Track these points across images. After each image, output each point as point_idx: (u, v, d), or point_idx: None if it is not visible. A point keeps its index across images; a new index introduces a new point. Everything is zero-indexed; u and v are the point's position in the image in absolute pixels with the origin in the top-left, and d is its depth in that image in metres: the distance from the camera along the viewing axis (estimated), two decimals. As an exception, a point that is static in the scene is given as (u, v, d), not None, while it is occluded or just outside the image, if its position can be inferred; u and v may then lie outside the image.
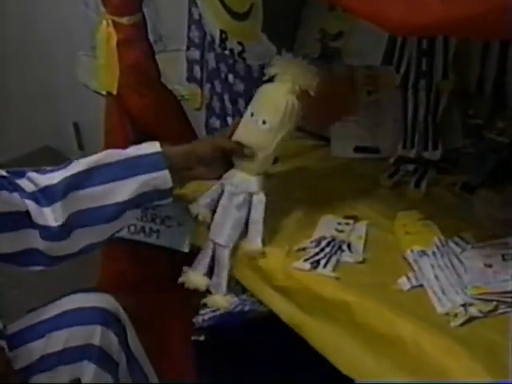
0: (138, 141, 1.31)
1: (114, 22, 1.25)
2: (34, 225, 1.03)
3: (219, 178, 1.17)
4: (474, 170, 1.28)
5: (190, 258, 1.22)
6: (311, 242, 1.14)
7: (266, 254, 1.12)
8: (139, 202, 1.10)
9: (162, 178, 1.08)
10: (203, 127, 1.91)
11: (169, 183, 1.09)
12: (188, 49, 1.90)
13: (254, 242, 1.11)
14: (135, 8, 1.27)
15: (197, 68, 1.90)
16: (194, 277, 1.15)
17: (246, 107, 1.46)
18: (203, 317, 1.87)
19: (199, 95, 1.93)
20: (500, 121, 1.25)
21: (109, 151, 1.11)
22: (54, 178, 1.05)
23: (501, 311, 0.97)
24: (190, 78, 1.94)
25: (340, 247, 1.12)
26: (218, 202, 1.16)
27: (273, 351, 1.74)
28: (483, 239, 1.10)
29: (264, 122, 1.13)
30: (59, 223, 1.03)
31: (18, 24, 2.66)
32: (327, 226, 1.18)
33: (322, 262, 1.09)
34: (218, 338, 1.82)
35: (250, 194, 1.14)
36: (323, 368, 1.36)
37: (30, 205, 1.03)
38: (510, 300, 0.98)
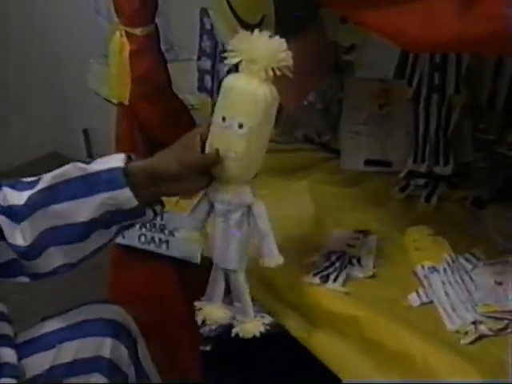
0: (149, 149, 1.33)
1: (127, 32, 1.25)
2: (6, 242, 0.97)
3: (198, 190, 1.03)
4: (484, 185, 1.28)
5: (200, 269, 1.21)
6: (321, 256, 1.13)
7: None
8: (106, 221, 0.98)
9: (124, 197, 0.95)
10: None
11: (132, 202, 0.96)
12: (199, 58, 1.89)
13: (272, 256, 1.00)
14: (148, 19, 1.27)
15: (208, 78, 1.90)
16: (214, 311, 1.04)
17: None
18: (210, 327, 1.87)
19: (209, 105, 1.93)
20: (511, 136, 1.25)
21: (72, 165, 0.98)
22: (22, 196, 0.97)
23: (511, 330, 0.97)
24: (201, 88, 1.93)
25: (350, 261, 1.12)
26: (207, 217, 1.03)
27: (279, 362, 1.73)
28: (494, 255, 1.10)
29: (241, 126, 0.94)
30: (27, 243, 0.96)
31: (29, 31, 2.67)
32: (337, 239, 1.18)
33: (332, 276, 1.09)
34: (225, 348, 1.82)
35: (248, 207, 0.99)
36: (328, 380, 1.37)
37: (2, 220, 0.97)
38: (520, 318, 0.97)
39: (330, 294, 1.06)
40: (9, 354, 1.07)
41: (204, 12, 1.79)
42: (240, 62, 0.93)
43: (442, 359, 0.93)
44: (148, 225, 1.32)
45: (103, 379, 1.14)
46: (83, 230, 0.97)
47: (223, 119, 0.95)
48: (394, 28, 0.80)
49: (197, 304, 1.04)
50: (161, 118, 1.30)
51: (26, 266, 1.00)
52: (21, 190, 0.98)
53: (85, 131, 2.70)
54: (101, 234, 1.00)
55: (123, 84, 1.27)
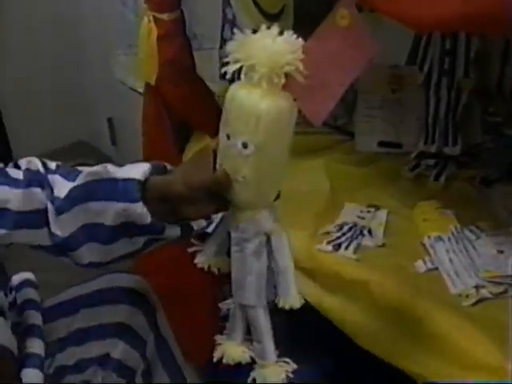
0: (174, 128, 1.41)
1: (154, 17, 1.33)
2: (49, 228, 0.97)
3: (215, 213, 0.93)
4: (492, 165, 1.34)
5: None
6: (334, 227, 1.21)
7: (291, 234, 1.16)
8: (126, 232, 0.94)
9: (137, 211, 0.90)
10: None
11: (145, 218, 0.90)
12: (221, 47, 1.97)
13: (287, 296, 0.89)
14: (175, 5, 1.35)
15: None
16: (233, 349, 0.93)
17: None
18: (228, 305, 1.95)
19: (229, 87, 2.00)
20: (518, 118, 1.31)
21: (102, 166, 0.96)
22: (64, 189, 0.96)
23: (511, 294, 1.04)
24: (223, 76, 2.01)
25: (361, 232, 1.19)
26: (228, 246, 0.92)
27: (297, 335, 1.79)
28: (497, 228, 1.16)
29: (245, 146, 0.81)
30: (65, 235, 0.96)
31: (57, 22, 2.76)
32: (350, 213, 1.25)
33: (344, 245, 1.16)
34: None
35: (266, 235, 0.88)
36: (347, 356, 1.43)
37: (49, 208, 0.96)
38: (520, 284, 1.04)
39: (341, 261, 1.13)
40: (35, 317, 1.13)
41: (226, 2, 1.87)
42: (241, 69, 0.79)
43: (446, 319, 0.99)
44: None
45: (122, 344, 1.20)
46: (110, 234, 0.94)
47: (227, 137, 0.84)
48: (401, 9, 0.87)
49: (217, 338, 0.95)
50: (186, 99, 1.38)
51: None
52: (65, 179, 0.98)
53: (109, 120, 2.79)
54: (126, 243, 0.95)
55: (151, 66, 1.35)
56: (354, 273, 1.10)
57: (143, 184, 0.91)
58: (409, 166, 1.40)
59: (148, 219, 0.90)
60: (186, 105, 1.38)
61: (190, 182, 0.88)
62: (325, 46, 0.84)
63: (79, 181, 0.95)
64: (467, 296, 1.04)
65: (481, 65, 1.35)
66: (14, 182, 0.95)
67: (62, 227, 0.96)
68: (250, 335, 0.93)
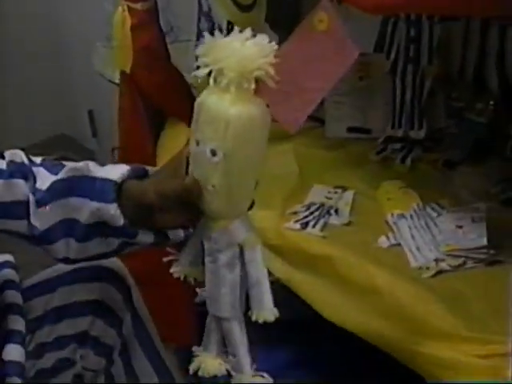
0: (149, 115, 1.45)
1: (128, 7, 1.38)
2: (28, 220, 0.98)
3: (189, 222, 0.90)
4: (455, 148, 1.40)
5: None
6: (302, 207, 1.25)
7: (260, 215, 1.17)
8: (100, 232, 0.94)
9: (110, 212, 0.89)
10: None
11: (118, 220, 0.89)
12: (198, 39, 2.01)
13: (261, 309, 0.84)
14: (148, -5, 1.40)
15: (205, 57, 2.02)
16: (209, 361, 0.89)
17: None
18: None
19: (207, 83, 2.04)
20: (479, 103, 1.37)
21: (84, 163, 0.96)
22: (46, 182, 0.97)
23: (468, 266, 1.09)
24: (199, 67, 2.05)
25: (328, 211, 1.24)
26: (202, 253, 0.88)
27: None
28: (458, 205, 1.22)
29: (213, 153, 0.78)
30: (43, 228, 0.96)
31: (37, 15, 2.79)
32: (318, 193, 1.30)
33: (311, 223, 1.21)
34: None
35: (239, 246, 0.85)
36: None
37: (31, 200, 0.97)
38: (476, 256, 1.09)
39: (308, 238, 1.18)
40: (15, 296, 1.14)
41: (202, -6, 1.92)
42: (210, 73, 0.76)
43: (406, 290, 1.04)
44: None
45: (99, 322, 1.22)
46: (84, 232, 0.94)
47: (197, 143, 0.80)
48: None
49: (195, 349, 0.91)
50: (160, 86, 1.42)
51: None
52: (48, 172, 0.98)
53: (90, 112, 2.83)
54: (100, 243, 0.95)
55: (125, 54, 1.39)
56: (320, 249, 1.15)
57: (120, 186, 0.90)
58: (376, 150, 1.45)
59: (121, 221, 0.89)
60: (161, 92, 1.42)
61: (162, 189, 0.87)
62: (302, 50, 0.86)
63: (61, 175, 0.96)
64: (427, 268, 1.09)
65: (443, 52, 1.41)
66: None
67: (41, 220, 0.96)
68: (224, 347, 0.90)
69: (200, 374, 0.90)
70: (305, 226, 1.20)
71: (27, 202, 0.97)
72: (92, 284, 1.23)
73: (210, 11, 1.92)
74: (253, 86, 0.75)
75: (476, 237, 1.10)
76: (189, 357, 1.45)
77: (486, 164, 1.33)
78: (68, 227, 0.96)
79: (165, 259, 0.94)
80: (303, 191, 1.31)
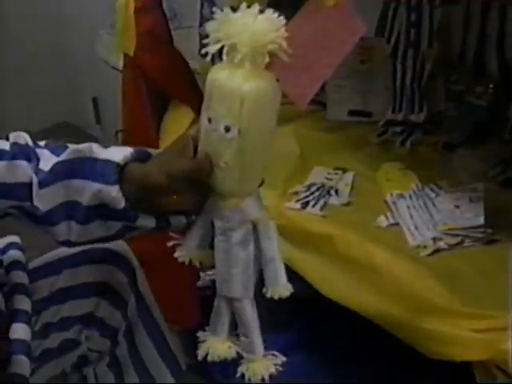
0: (151, 98, 1.47)
1: (131, -10, 1.40)
2: (32, 202, 0.97)
3: (196, 205, 0.88)
4: (455, 131, 1.41)
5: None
6: (303, 187, 1.27)
7: (262, 195, 1.22)
8: (100, 214, 0.92)
9: (111, 194, 0.87)
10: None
11: (119, 203, 0.87)
12: (201, 25, 2.03)
13: (276, 284, 0.85)
14: (151, -21, 1.41)
15: (208, 43, 2.03)
16: (218, 345, 0.88)
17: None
18: (210, 276, 2.01)
19: (211, 69, 2.06)
20: (479, 86, 1.38)
21: (88, 145, 0.94)
22: (49, 163, 0.96)
23: (466, 244, 1.11)
24: (203, 53, 2.07)
25: (328, 192, 1.26)
26: (211, 237, 0.87)
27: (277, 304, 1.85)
28: (456, 186, 1.23)
29: (227, 129, 0.78)
30: (45, 209, 0.96)
31: (40, 3, 2.81)
32: (318, 175, 1.32)
33: (311, 203, 1.23)
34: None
35: (252, 223, 0.85)
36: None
37: (34, 181, 0.96)
38: (473, 235, 1.11)
39: (308, 217, 1.20)
40: (21, 276, 1.15)
41: (204, -19, 1.93)
42: (222, 49, 0.76)
43: (405, 268, 1.06)
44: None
45: (104, 303, 1.24)
46: (85, 214, 0.93)
47: (209, 121, 0.79)
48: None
49: (200, 335, 0.90)
50: (163, 68, 1.44)
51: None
52: (52, 153, 0.97)
53: (94, 99, 2.85)
54: (100, 226, 0.94)
55: (129, 38, 1.41)
56: (320, 228, 1.17)
57: (122, 168, 0.88)
58: (377, 133, 1.46)
59: (122, 204, 0.87)
60: (164, 75, 1.44)
61: (168, 170, 0.84)
62: (310, 25, 0.83)
63: (64, 156, 0.95)
64: (425, 247, 1.11)
65: (444, 36, 1.42)
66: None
67: (43, 201, 0.95)
68: (234, 330, 0.89)
69: (209, 358, 0.88)
70: (305, 205, 1.22)
71: (30, 184, 0.96)
72: (97, 266, 1.24)
73: (212, -3, 1.94)
74: (266, 59, 0.74)
75: (473, 216, 1.12)
76: (191, 339, 1.47)
77: (485, 146, 1.35)
78: (70, 209, 0.95)
79: (168, 244, 0.92)
80: (304, 172, 1.33)
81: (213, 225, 0.86)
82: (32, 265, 1.24)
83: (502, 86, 1.36)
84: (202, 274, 1.93)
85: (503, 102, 1.36)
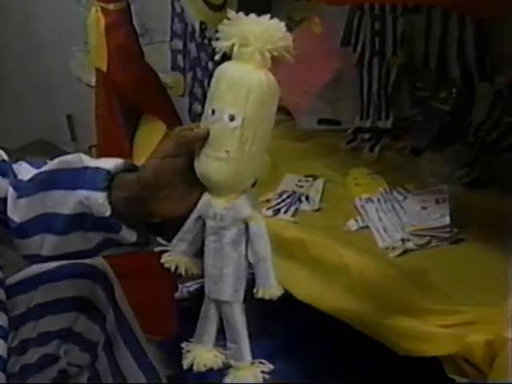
0: (125, 113, 1.49)
1: (102, 8, 1.42)
2: (6, 215, 0.97)
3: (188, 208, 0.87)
4: (421, 135, 1.45)
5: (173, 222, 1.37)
6: (274, 195, 1.30)
7: None
8: (82, 224, 0.92)
9: (98, 201, 0.87)
10: (187, 113, 2.08)
11: (105, 210, 0.87)
12: (171, 40, 2.07)
13: (267, 284, 0.84)
14: (120, -4, 1.44)
15: (180, 57, 2.06)
16: (204, 354, 0.86)
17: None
18: (188, 288, 2.03)
19: (182, 82, 2.09)
20: (443, 91, 1.42)
21: (78, 155, 0.94)
22: (29, 173, 0.96)
23: (433, 244, 1.15)
24: (174, 67, 2.10)
25: (299, 199, 1.29)
26: (200, 244, 0.86)
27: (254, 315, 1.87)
28: (423, 189, 1.27)
29: (232, 118, 0.79)
30: (20, 221, 0.96)
31: (16, 20, 2.82)
32: (289, 182, 1.35)
33: (283, 209, 1.26)
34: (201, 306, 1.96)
35: (245, 222, 0.84)
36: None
37: (10, 193, 0.97)
38: (440, 235, 1.15)
39: (280, 224, 1.23)
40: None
41: (174, -4, 1.97)
42: (232, 48, 0.79)
43: (374, 268, 1.09)
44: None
45: (82, 317, 1.23)
46: (65, 224, 0.93)
47: (212, 112, 0.81)
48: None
49: (184, 346, 0.87)
50: (135, 83, 1.46)
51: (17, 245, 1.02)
52: (31, 166, 0.98)
53: (68, 117, 2.86)
54: (79, 237, 0.94)
55: (101, 53, 1.43)
56: (291, 233, 1.20)
57: (112, 176, 0.88)
58: (346, 140, 1.50)
59: (108, 212, 0.87)
60: (136, 89, 1.46)
61: (153, 162, 0.85)
62: (301, 46, 0.85)
63: (48, 167, 0.95)
64: (394, 248, 1.14)
65: (407, 44, 1.47)
66: None
67: (19, 212, 0.95)
68: (218, 340, 0.87)
69: (195, 368, 0.86)
70: (277, 212, 1.25)
71: (5, 199, 0.97)
72: (75, 281, 1.24)
73: (182, 12, 1.98)
74: (276, 53, 0.79)
75: (439, 216, 1.15)
76: (171, 350, 1.48)
77: (450, 149, 1.38)
78: (47, 221, 0.95)
79: (155, 249, 0.92)
80: (275, 180, 1.36)
81: (203, 227, 0.85)
82: (9, 281, 1.25)
83: (465, 91, 1.40)
84: (180, 285, 1.95)
85: (466, 107, 1.40)
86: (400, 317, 1.02)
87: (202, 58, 1.94)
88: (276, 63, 0.80)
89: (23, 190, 0.96)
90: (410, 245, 1.14)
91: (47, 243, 0.96)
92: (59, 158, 0.95)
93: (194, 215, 0.85)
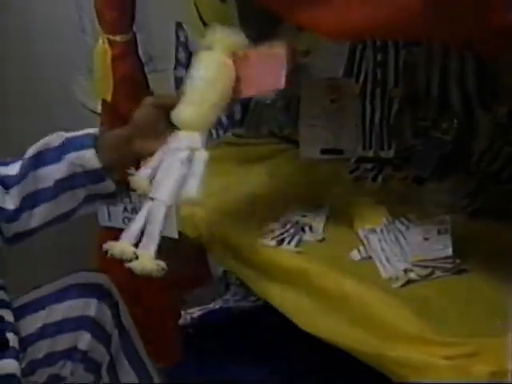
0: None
1: (108, 39, 1.44)
2: None
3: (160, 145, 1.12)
4: (423, 165, 1.46)
5: (178, 245, 1.39)
6: (278, 225, 1.31)
7: (237, 233, 1.29)
8: (72, 184, 1.12)
9: (88, 156, 1.10)
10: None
11: (95, 163, 1.10)
12: (175, 68, 2.09)
13: (191, 191, 1.06)
14: (127, 28, 1.46)
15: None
16: (120, 244, 1.07)
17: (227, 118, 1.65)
18: (191, 315, 2.04)
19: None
20: (444, 122, 1.44)
21: (55, 134, 1.16)
22: (15, 167, 1.14)
23: (436, 275, 1.15)
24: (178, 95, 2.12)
25: (303, 229, 1.30)
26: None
27: (260, 345, 1.88)
28: (425, 219, 1.28)
29: (201, 79, 1.11)
30: (15, 206, 1.12)
31: (19, 47, 2.83)
32: (293, 212, 1.36)
33: (287, 239, 1.27)
34: (205, 333, 1.97)
35: (193, 151, 1.09)
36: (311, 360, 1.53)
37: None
38: (443, 265, 1.15)
39: (283, 253, 1.24)
40: (8, 314, 1.19)
41: (179, 26, 2.00)
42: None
43: (377, 298, 1.10)
44: (130, 208, 1.49)
45: (88, 336, 1.26)
46: (54, 189, 1.12)
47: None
48: (317, 22, 0.99)
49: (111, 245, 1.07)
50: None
51: (6, 229, 1.16)
52: (12, 162, 1.16)
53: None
54: (68, 197, 1.13)
55: (107, 84, 1.45)
56: (294, 263, 1.21)
57: (95, 136, 1.12)
58: (349, 169, 1.51)
59: (97, 164, 1.09)
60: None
61: (135, 114, 1.15)
62: (255, 59, 1.15)
63: (29, 154, 1.14)
64: (397, 279, 1.14)
65: (409, 75, 1.49)
66: None
67: (13, 199, 1.12)
68: None
69: (110, 254, 1.06)
70: (280, 242, 1.26)
71: None
72: (81, 300, 1.27)
73: (186, 41, 2.01)
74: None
75: (442, 247, 1.16)
76: (173, 377, 1.49)
77: (452, 179, 1.40)
78: (36, 197, 1.13)
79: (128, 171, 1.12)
80: (279, 210, 1.37)
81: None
82: (17, 303, 1.26)
83: (466, 121, 1.42)
84: (183, 312, 1.96)
85: (467, 136, 1.42)
86: (401, 346, 1.03)
87: (206, 87, 1.96)
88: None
89: (13, 180, 1.13)
90: (412, 275, 1.15)
91: (36, 215, 1.13)
92: (36, 144, 1.15)
93: (160, 149, 1.10)
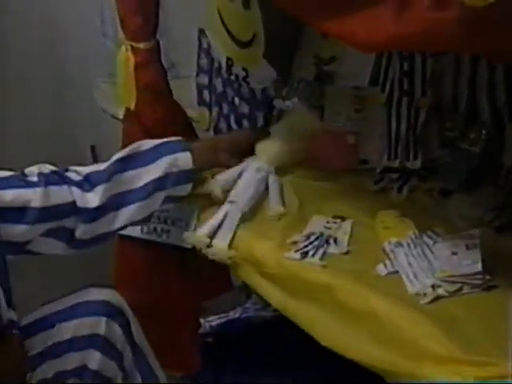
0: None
1: (132, 46, 1.43)
2: (77, 210, 1.20)
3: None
4: (450, 177, 1.43)
5: (197, 258, 1.37)
6: (302, 237, 1.29)
7: (260, 245, 1.27)
8: (165, 183, 1.26)
9: (184, 158, 1.27)
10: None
11: (190, 164, 1.27)
12: (197, 75, 2.07)
13: (277, 205, 1.34)
14: (150, 35, 1.45)
15: (206, 92, 2.06)
16: (196, 234, 1.32)
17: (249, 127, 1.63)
18: (210, 323, 2.02)
19: (208, 117, 2.09)
20: (472, 133, 1.40)
21: (143, 141, 1.31)
22: (101, 166, 1.25)
23: (465, 291, 1.12)
24: (200, 102, 2.10)
25: (327, 241, 1.27)
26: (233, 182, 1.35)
27: (278, 356, 1.86)
28: (453, 233, 1.25)
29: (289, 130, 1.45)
30: (96, 205, 1.20)
31: (41, 51, 2.84)
32: (317, 224, 1.33)
33: (311, 252, 1.24)
34: (225, 342, 1.96)
35: (268, 174, 1.38)
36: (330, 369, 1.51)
37: (75, 191, 1.20)
38: (472, 281, 1.12)
39: (307, 267, 1.21)
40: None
41: (201, 32, 1.98)
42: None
43: (404, 315, 1.07)
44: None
45: (98, 355, 1.26)
46: (146, 189, 1.24)
47: None
48: (348, 33, 0.97)
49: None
50: (162, 121, 1.47)
51: (82, 231, 1.20)
52: (92, 166, 1.27)
53: (92, 147, 2.87)
54: (158, 197, 1.26)
55: (129, 92, 1.44)
56: (319, 277, 1.18)
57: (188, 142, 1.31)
58: (373, 180, 1.49)
59: (191, 164, 1.28)
60: (163, 127, 1.46)
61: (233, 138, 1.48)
62: None
63: (117, 157, 1.26)
64: (424, 295, 1.12)
65: (436, 84, 1.46)
66: (31, 184, 1.17)
67: (96, 197, 1.20)
68: None
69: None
70: (304, 255, 1.23)
71: (69, 204, 1.18)
72: (91, 318, 1.27)
73: (209, 48, 1.98)
74: None
75: (471, 263, 1.13)
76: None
77: (479, 192, 1.37)
78: (122, 199, 1.23)
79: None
80: (303, 222, 1.34)
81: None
82: (26, 320, 1.26)
83: (495, 133, 1.39)
84: (202, 320, 1.95)
85: (496, 149, 1.38)
86: (429, 366, 1.00)
87: (228, 94, 1.94)
88: None
89: (99, 179, 1.22)
90: (440, 291, 1.12)
91: (123, 215, 1.23)
92: (122, 151, 1.28)
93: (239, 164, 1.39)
